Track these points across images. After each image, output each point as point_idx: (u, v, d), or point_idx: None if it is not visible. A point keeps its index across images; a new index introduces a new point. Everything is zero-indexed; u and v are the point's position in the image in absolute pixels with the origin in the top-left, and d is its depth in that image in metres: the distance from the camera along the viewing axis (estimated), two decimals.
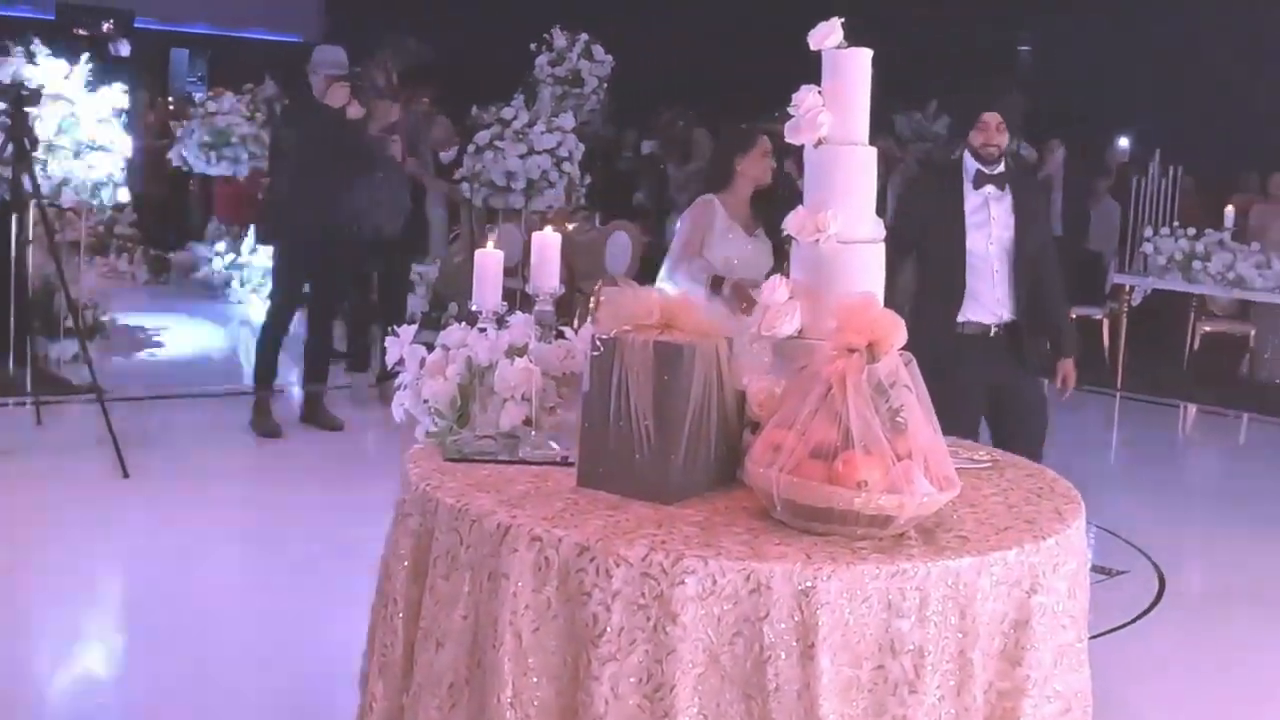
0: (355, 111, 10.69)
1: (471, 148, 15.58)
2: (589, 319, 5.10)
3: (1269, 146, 16.90)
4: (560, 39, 17.26)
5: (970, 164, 7.83)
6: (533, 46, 17.31)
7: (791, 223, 4.98)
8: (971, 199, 7.80)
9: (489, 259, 5.01)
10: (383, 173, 11.54)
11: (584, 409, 4.41)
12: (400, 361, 5.02)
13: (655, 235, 17.10)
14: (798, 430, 4.09)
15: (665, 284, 8.31)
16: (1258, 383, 15.64)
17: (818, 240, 4.87)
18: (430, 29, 21.36)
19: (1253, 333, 16.06)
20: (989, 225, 7.77)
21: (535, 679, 3.83)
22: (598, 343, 4.33)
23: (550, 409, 4.92)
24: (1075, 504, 4.62)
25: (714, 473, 4.43)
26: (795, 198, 5.04)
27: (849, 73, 4.93)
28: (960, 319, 7.79)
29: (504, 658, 3.83)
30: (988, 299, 7.80)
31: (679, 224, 9.08)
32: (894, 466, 4.02)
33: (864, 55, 4.92)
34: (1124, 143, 21.07)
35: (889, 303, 7.00)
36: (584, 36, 17.27)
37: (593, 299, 5.19)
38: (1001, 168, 7.82)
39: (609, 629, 3.73)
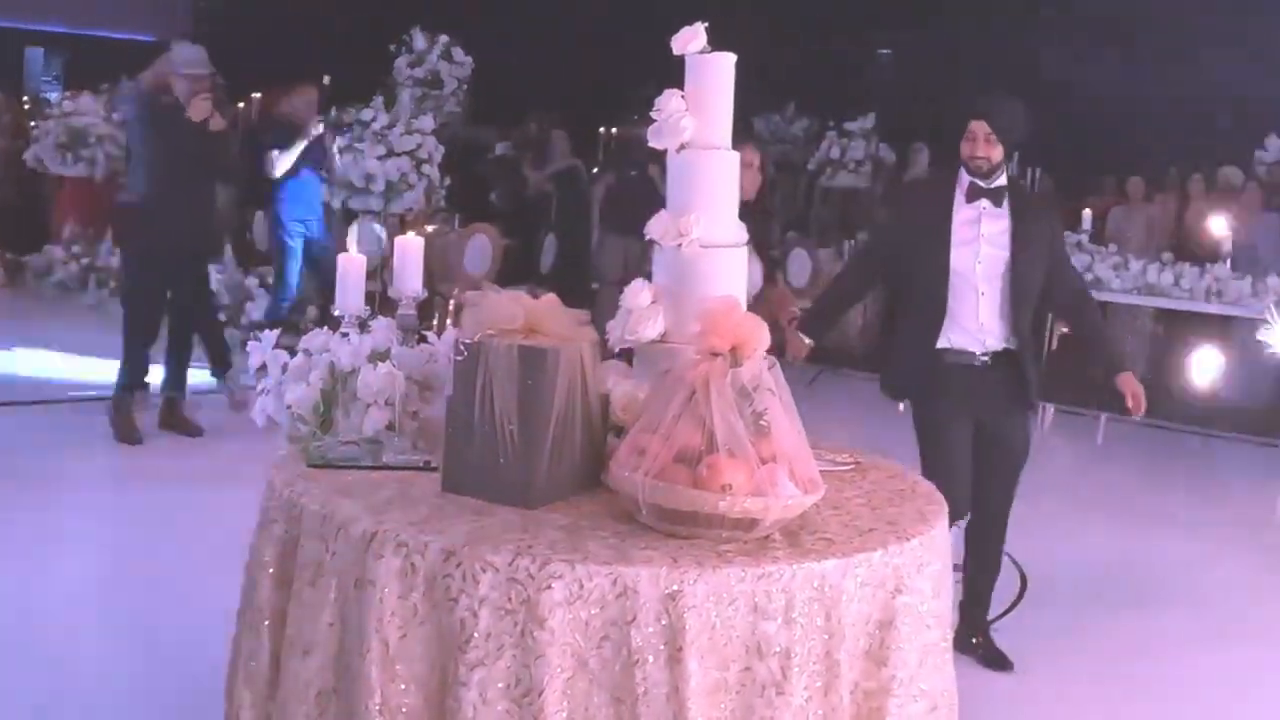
0: (217, 123, 10.57)
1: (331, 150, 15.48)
2: (448, 322, 5.09)
3: (1126, 150, 17.17)
4: (420, 40, 17.20)
5: (965, 176, 7.02)
6: (392, 48, 17.23)
7: (654, 227, 4.99)
8: (962, 212, 7.01)
9: (352, 263, 4.99)
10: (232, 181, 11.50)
11: (448, 414, 4.40)
12: (263, 367, 4.98)
13: (515, 238, 17.08)
14: (662, 434, 4.11)
15: None
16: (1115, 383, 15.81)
17: (680, 245, 4.90)
18: (289, 30, 21.21)
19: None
20: (977, 242, 6.95)
21: (403, 686, 3.82)
22: (462, 347, 4.32)
23: (413, 413, 4.90)
24: (938, 505, 4.68)
25: (578, 477, 4.44)
26: (660, 202, 5.05)
27: (712, 77, 4.96)
28: (941, 344, 7.01)
29: (372, 665, 3.81)
30: (970, 323, 6.98)
31: None
32: (758, 470, 4.05)
33: (727, 60, 4.95)
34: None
35: (887, 330, 6.94)
36: (444, 38, 17.21)
37: (452, 302, 5.18)
38: (1001, 181, 7.00)
39: (476, 634, 3.73)
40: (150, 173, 10.58)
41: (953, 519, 6.35)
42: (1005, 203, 6.99)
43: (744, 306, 4.43)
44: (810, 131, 23.19)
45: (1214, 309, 13.82)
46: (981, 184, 6.95)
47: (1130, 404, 7.03)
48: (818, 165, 21.82)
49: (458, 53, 17.23)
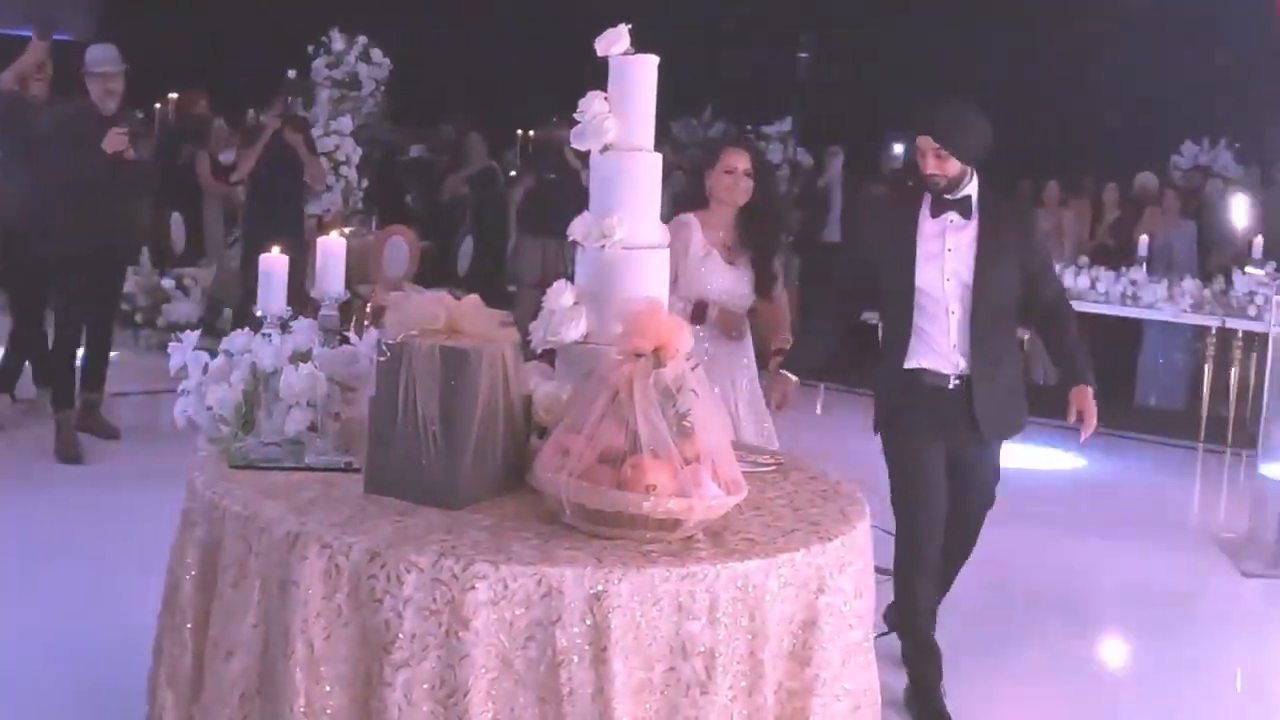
0: (131, 157, 10.28)
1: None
2: (366, 325, 5.08)
3: (1042, 155, 17.27)
4: (338, 41, 17.11)
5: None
6: (310, 49, 17.14)
7: (576, 228, 5.01)
8: (927, 227, 6.41)
9: (275, 263, 4.97)
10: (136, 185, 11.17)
11: (371, 415, 4.39)
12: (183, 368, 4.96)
13: (432, 240, 17.03)
14: (586, 435, 4.12)
15: None
16: (1033, 384, 15.90)
17: (603, 246, 4.91)
18: (206, 30, 21.10)
19: (1027, 336, 16.32)
20: (943, 258, 6.36)
21: (328, 687, 3.81)
22: (384, 348, 4.31)
23: (335, 415, 4.88)
24: (859, 505, 4.70)
25: (501, 478, 4.43)
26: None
27: (635, 79, 4.97)
28: (911, 365, 6.43)
29: (296, 666, 3.80)
30: (942, 345, 6.39)
31: None
32: (682, 470, 4.06)
33: (649, 62, 4.97)
34: (898, 149, 21.40)
35: (884, 359, 6.50)
36: (362, 39, 17.13)
37: (370, 305, 5.17)
38: (969, 190, 6.37)
39: (401, 635, 3.73)
40: (51, 171, 10.33)
41: (919, 553, 6.43)
42: (974, 213, 6.39)
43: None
44: (727, 135, 23.25)
45: (1132, 312, 13.92)
46: (949, 195, 6.36)
47: (1073, 419, 6.42)
48: None
49: (376, 54, 17.14)
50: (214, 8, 21.94)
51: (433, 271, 16.19)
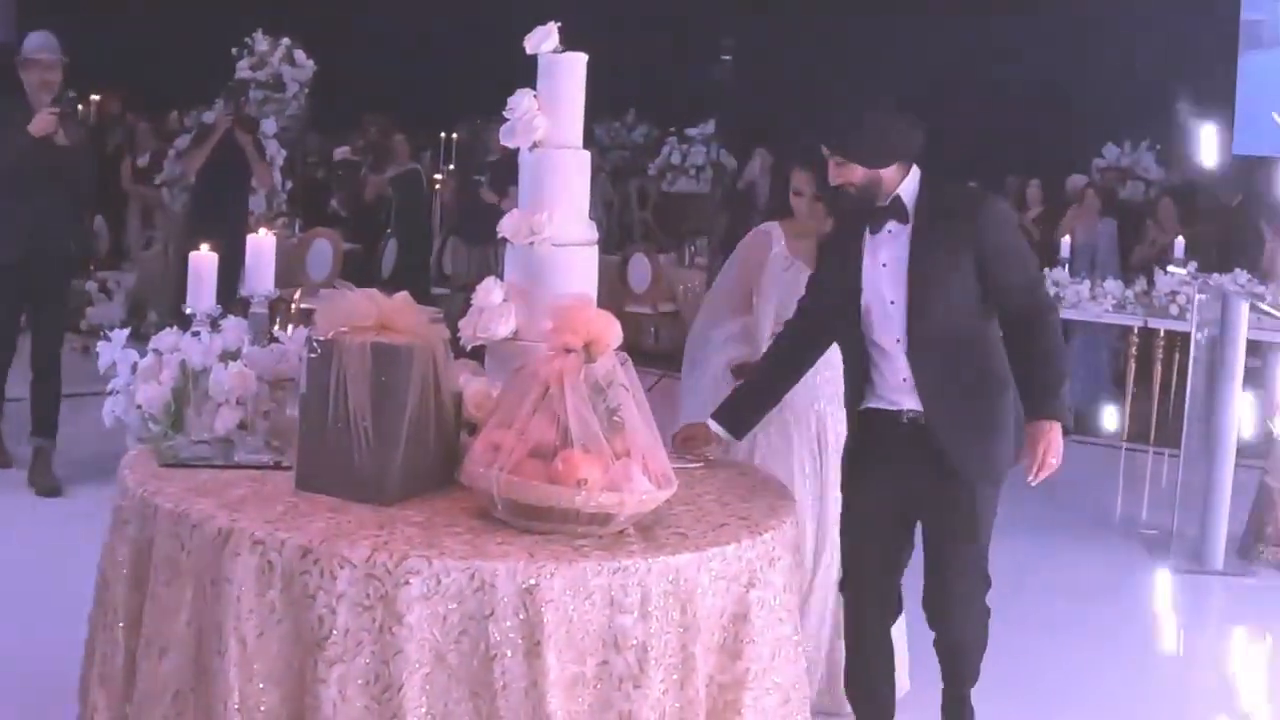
0: (62, 139, 9.41)
1: (172, 152, 15.33)
2: (289, 325, 5.07)
3: (965, 156, 17.33)
4: (262, 43, 17.03)
5: None
6: (234, 50, 17.05)
7: (506, 225, 5.02)
8: (869, 245, 5.39)
9: (204, 261, 4.95)
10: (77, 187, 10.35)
11: (301, 411, 4.38)
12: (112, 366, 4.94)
13: (356, 242, 16.98)
14: (517, 430, 4.13)
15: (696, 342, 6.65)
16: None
17: (532, 243, 4.92)
18: (129, 31, 20.96)
19: None
20: (880, 277, 5.36)
21: (261, 685, 3.81)
22: (315, 345, 4.31)
23: (264, 412, 4.88)
24: (788, 500, 4.74)
25: (432, 474, 4.44)
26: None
27: (564, 77, 4.99)
28: (866, 403, 5.47)
29: (229, 664, 3.79)
30: (891, 376, 5.39)
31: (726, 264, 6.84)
32: (613, 465, 4.08)
33: (578, 60, 4.99)
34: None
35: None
36: (285, 41, 17.07)
37: (294, 307, 5.16)
38: (904, 191, 5.38)
39: (335, 631, 3.73)
40: None
41: (843, 590, 5.72)
42: (910, 220, 5.38)
43: None
44: (650, 138, 23.31)
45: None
46: (883, 204, 5.37)
47: (1026, 461, 5.28)
48: (658, 170, 21.94)
49: (300, 55, 17.09)
50: (136, 9, 21.81)
51: (357, 274, 16.12)
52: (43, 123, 9.24)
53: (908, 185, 5.35)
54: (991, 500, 5.47)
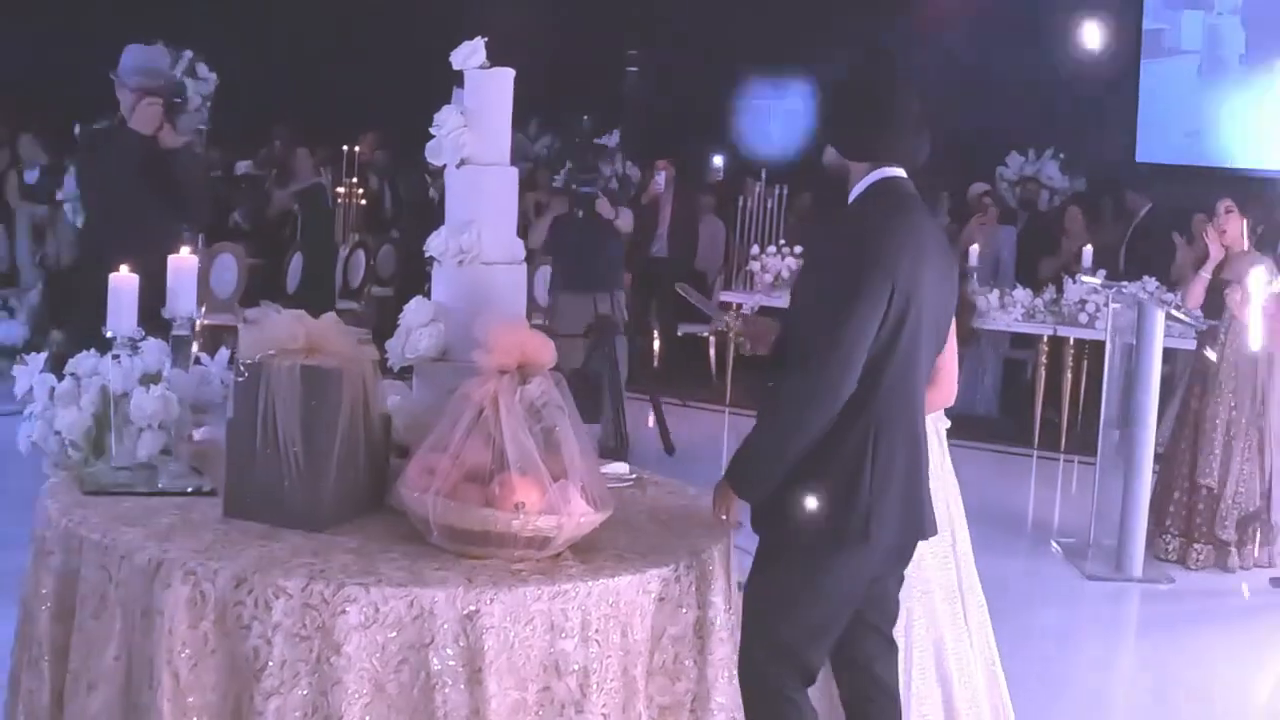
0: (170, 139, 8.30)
1: (71, 167, 15.12)
2: (195, 345, 4.99)
3: None
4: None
5: None
6: None
7: (433, 243, 4.94)
8: None
9: (124, 282, 4.84)
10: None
11: (229, 436, 4.29)
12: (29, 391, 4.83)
13: (261, 257, 16.80)
14: (451, 454, 4.07)
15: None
16: None
17: (461, 261, 4.85)
18: (30, 43, 20.68)
19: None
20: None
21: (195, 718, 3.71)
22: (242, 368, 4.22)
23: (188, 437, 4.79)
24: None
25: (363, 499, 4.37)
26: None
27: (491, 93, 4.92)
28: None
29: (162, 698, 3.70)
30: None
31: None
32: (550, 487, 4.02)
33: (506, 75, 4.92)
34: (718, 161, 21.42)
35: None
36: (188, 54, 16.87)
37: (199, 324, 5.07)
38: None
39: (271, 663, 3.64)
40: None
41: None
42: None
43: None
44: (554, 149, 23.22)
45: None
46: None
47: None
48: (564, 182, 21.84)
49: (202, 68, 16.89)
50: (37, 21, 21.54)
51: (262, 289, 15.94)
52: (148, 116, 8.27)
53: (855, 190, 4.59)
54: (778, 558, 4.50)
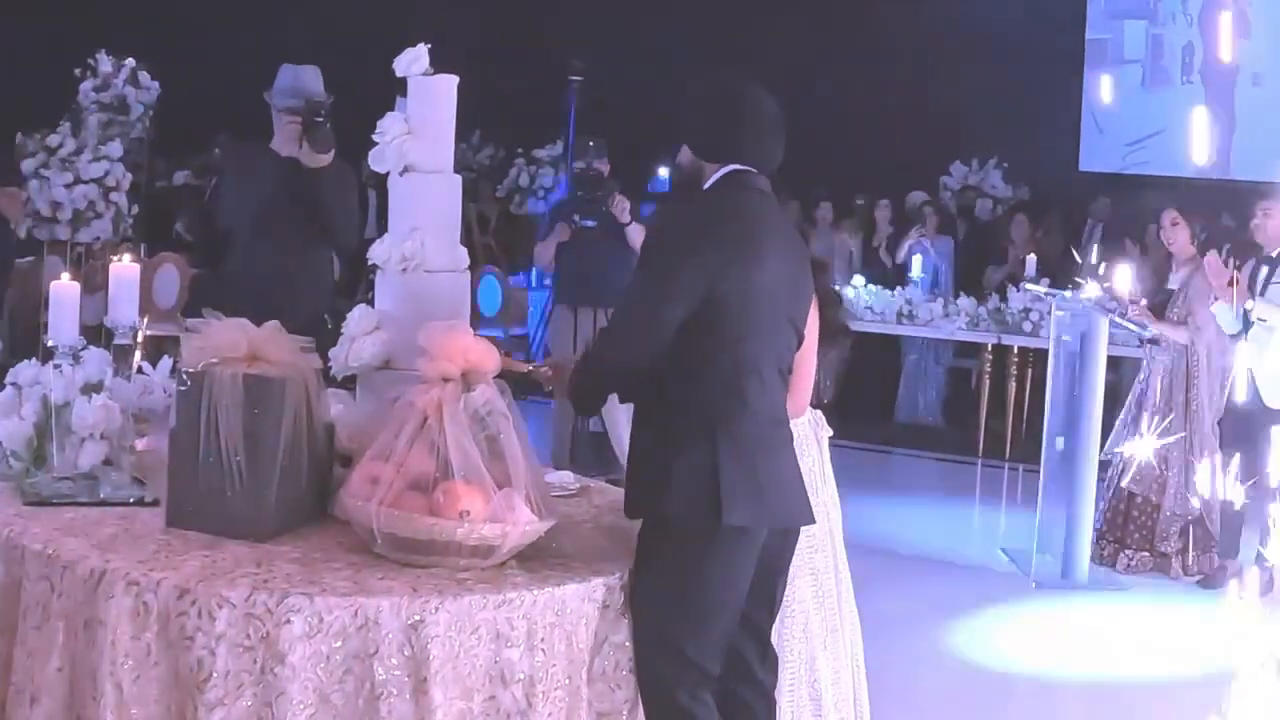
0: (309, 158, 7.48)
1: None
2: (137, 355, 4.96)
3: (813, 176, 17.40)
4: (106, 64, 16.72)
5: None
6: (77, 71, 16.73)
7: (376, 251, 4.92)
8: None
9: (66, 291, 4.81)
10: None
11: (171, 446, 4.27)
12: None
13: (203, 267, 16.71)
14: (395, 462, 4.05)
15: None
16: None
17: (405, 269, 4.84)
18: None
19: None
20: None
21: None
22: (185, 377, 4.20)
23: (129, 447, 4.75)
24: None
25: (306, 508, 4.35)
26: None
27: (434, 100, 4.91)
28: None
29: (105, 710, 3.67)
30: None
31: None
32: (495, 495, 4.01)
33: (449, 82, 4.91)
34: (664, 173, 21.43)
35: None
36: (130, 62, 16.77)
37: (141, 334, 5.04)
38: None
39: (215, 674, 3.62)
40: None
41: None
42: None
43: None
44: (497, 159, 23.17)
45: (910, 331, 14.11)
46: None
47: None
48: (507, 192, 21.82)
49: (144, 77, 16.79)
50: None
51: (205, 299, 15.86)
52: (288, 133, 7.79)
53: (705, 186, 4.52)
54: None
